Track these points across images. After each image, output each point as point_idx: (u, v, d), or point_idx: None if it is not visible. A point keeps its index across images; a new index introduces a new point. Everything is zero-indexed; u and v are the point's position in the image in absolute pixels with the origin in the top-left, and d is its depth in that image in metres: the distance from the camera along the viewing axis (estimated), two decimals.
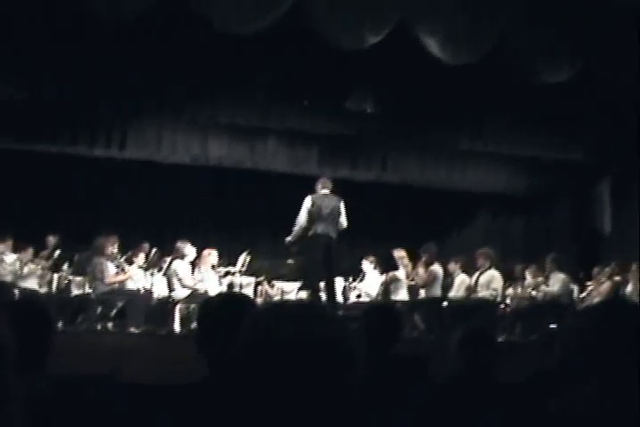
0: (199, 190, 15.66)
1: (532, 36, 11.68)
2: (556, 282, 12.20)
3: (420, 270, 12.39)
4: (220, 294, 4.52)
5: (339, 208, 11.31)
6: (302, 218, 11.23)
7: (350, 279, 13.21)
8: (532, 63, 11.92)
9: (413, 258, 12.76)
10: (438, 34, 11.39)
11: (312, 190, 11.55)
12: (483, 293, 11.97)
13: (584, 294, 12.80)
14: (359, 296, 13.06)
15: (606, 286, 12.49)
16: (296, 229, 11.33)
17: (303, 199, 11.39)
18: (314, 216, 11.15)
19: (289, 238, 11.51)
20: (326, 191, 11.42)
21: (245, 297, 3.77)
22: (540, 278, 12.39)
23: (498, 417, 3.90)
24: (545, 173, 15.81)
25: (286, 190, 13.99)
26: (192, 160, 14.32)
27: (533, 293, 12.48)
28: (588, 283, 12.93)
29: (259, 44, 11.68)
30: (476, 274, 12.21)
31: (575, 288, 12.87)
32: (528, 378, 4.19)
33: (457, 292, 12.47)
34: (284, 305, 1.82)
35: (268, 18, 10.75)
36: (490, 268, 12.08)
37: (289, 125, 14.10)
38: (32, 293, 11.45)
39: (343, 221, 11.41)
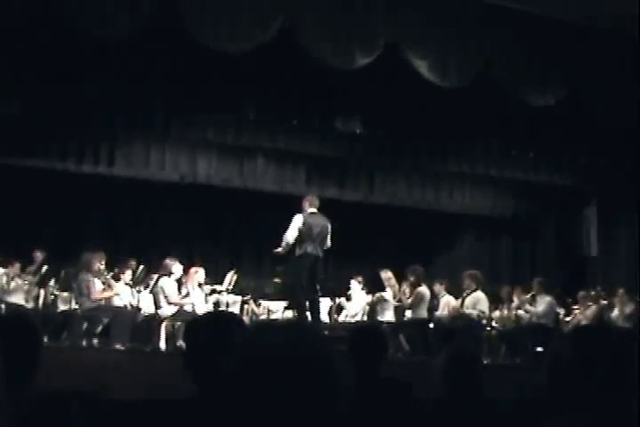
0: (187, 208, 15.66)
1: (519, 60, 11.79)
2: (542, 304, 12.21)
3: (407, 291, 12.38)
4: (208, 312, 4.52)
5: (327, 228, 11.26)
6: (291, 237, 11.14)
7: (336, 299, 13.20)
8: (519, 87, 12.02)
9: (400, 279, 12.75)
10: (428, 57, 11.48)
11: (299, 210, 11.50)
12: (469, 313, 11.96)
13: (570, 318, 12.84)
14: (346, 316, 13.07)
15: (592, 309, 12.54)
16: (284, 245, 11.23)
17: (290, 219, 11.33)
18: (304, 235, 11.10)
19: (278, 250, 11.37)
20: (314, 210, 11.38)
21: (234, 315, 3.77)
22: (527, 297, 12.40)
23: None
24: (532, 196, 15.90)
25: (274, 210, 14.01)
26: (180, 178, 14.32)
27: (520, 312, 12.49)
28: (574, 307, 12.97)
29: (249, 63, 11.72)
30: (463, 295, 12.21)
31: (561, 311, 12.90)
32: (514, 402, 4.20)
33: (442, 312, 12.47)
34: (272, 324, 1.83)
35: (259, 37, 10.80)
36: (476, 290, 12.08)
37: (278, 145, 14.14)
38: (19, 307, 11.43)
39: (328, 240, 11.37)
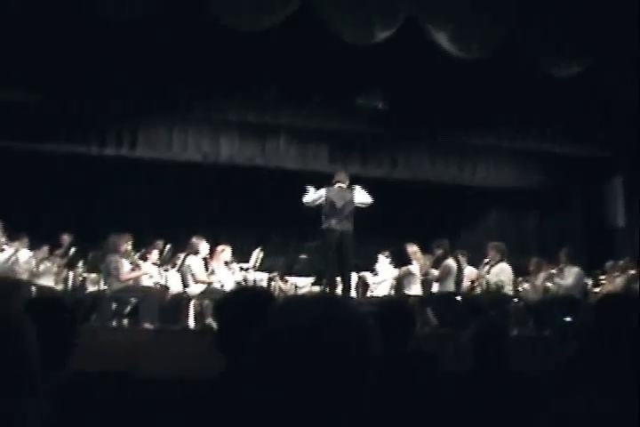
0: (211, 188, 15.70)
1: (542, 30, 11.68)
2: (570, 275, 12.17)
3: (434, 265, 12.39)
4: (239, 289, 4.54)
5: (352, 201, 11.33)
6: (309, 199, 11.36)
7: (363, 274, 13.22)
8: (543, 57, 11.92)
9: (426, 253, 12.76)
10: (449, 29, 11.40)
11: (322, 187, 11.56)
12: (495, 285, 11.94)
13: (598, 289, 12.80)
14: (372, 291, 13.10)
15: (619, 280, 12.49)
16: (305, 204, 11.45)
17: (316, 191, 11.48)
18: (327, 210, 11.18)
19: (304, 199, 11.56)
20: (342, 185, 11.46)
21: (264, 291, 3.79)
22: (554, 270, 12.36)
23: (511, 412, 3.92)
24: (557, 168, 15.81)
25: (297, 187, 14.03)
26: (203, 158, 14.35)
27: (548, 285, 12.45)
28: (602, 277, 12.93)
29: (269, 41, 11.68)
30: (487, 267, 12.20)
31: (589, 283, 12.86)
32: (542, 373, 4.20)
33: (466, 284, 12.47)
34: (302, 298, 1.83)
35: (278, 14, 10.78)
36: (500, 261, 12.06)
37: (299, 123, 14.12)
38: (50, 290, 11.53)
39: (364, 201, 11.48)
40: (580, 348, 3.37)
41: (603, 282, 12.83)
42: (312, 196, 11.40)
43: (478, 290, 12.34)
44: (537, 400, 3.64)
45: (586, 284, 12.67)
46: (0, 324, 1.68)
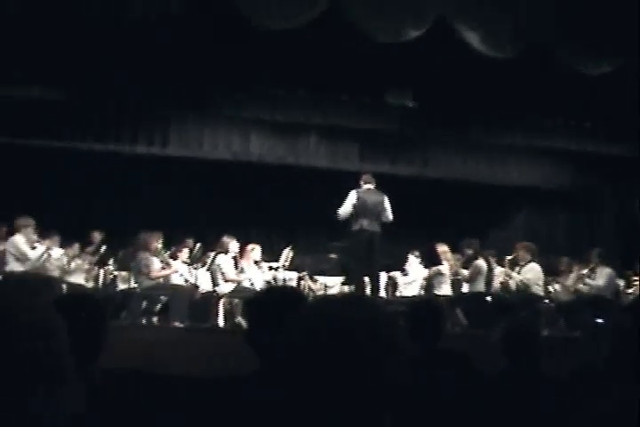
0: (241, 187, 15.73)
1: (572, 28, 11.60)
2: (602, 276, 12.10)
3: (464, 265, 12.35)
4: (269, 288, 4.54)
5: (382, 203, 11.32)
6: (343, 210, 11.27)
7: (393, 274, 13.20)
8: (573, 56, 11.84)
9: (456, 253, 12.72)
10: (479, 28, 11.34)
11: (353, 186, 11.56)
12: (521, 283, 11.87)
13: (630, 290, 12.71)
14: (402, 291, 13.08)
15: None
16: (341, 216, 11.35)
17: (344, 195, 11.40)
18: (358, 211, 11.17)
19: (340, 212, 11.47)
20: (370, 186, 11.46)
21: (294, 290, 3.79)
22: (586, 271, 12.30)
23: (541, 412, 3.90)
24: (589, 167, 15.71)
25: (328, 186, 14.02)
26: (233, 157, 14.38)
27: (579, 286, 12.37)
28: (634, 278, 12.83)
29: (298, 40, 11.68)
30: (517, 268, 12.14)
31: (621, 283, 12.77)
32: (573, 374, 4.18)
33: (495, 283, 12.40)
34: (332, 298, 1.83)
35: (307, 13, 10.76)
36: (530, 261, 11.99)
37: (330, 121, 14.12)
38: (81, 287, 11.59)
39: (389, 214, 11.43)
40: (612, 349, 3.34)
41: (635, 283, 12.74)
42: (345, 206, 11.33)
43: (507, 290, 12.26)
44: (568, 401, 3.62)
45: (617, 285, 12.58)
46: (31, 320, 1.68)
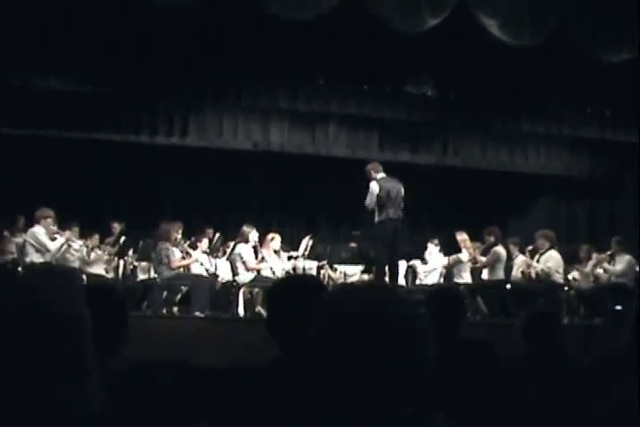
0: (260, 176, 15.75)
1: (591, 17, 11.54)
2: (621, 262, 12.08)
3: (484, 253, 12.33)
4: (290, 276, 4.54)
5: (401, 190, 11.27)
6: (371, 202, 11.17)
7: (413, 263, 13.18)
8: (593, 43, 11.78)
9: (476, 241, 12.71)
10: (498, 15, 11.30)
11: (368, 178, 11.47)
12: (542, 272, 11.85)
13: None
14: (421, 279, 13.06)
15: None
16: (370, 207, 11.26)
17: (364, 184, 11.35)
18: (384, 201, 11.10)
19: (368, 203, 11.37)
20: (383, 175, 11.38)
21: (316, 279, 3.79)
22: (605, 255, 12.28)
23: (563, 400, 3.90)
24: (608, 154, 15.63)
25: (347, 175, 14.01)
26: (253, 146, 14.38)
27: (598, 271, 12.35)
28: None
29: (318, 29, 11.67)
30: (537, 256, 12.11)
31: None
32: (594, 362, 4.17)
33: (516, 272, 12.38)
34: (353, 286, 1.83)
35: (326, 2, 10.75)
36: (550, 249, 11.96)
37: (349, 110, 14.08)
38: (101, 278, 11.62)
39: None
40: (633, 336, 3.33)
41: None
42: (370, 197, 11.23)
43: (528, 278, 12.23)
44: (589, 388, 3.61)
45: (637, 272, 12.53)
46: (54, 310, 1.69)
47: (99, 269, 11.92)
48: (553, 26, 11.42)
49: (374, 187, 11.14)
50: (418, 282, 13.12)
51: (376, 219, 11.15)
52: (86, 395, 1.72)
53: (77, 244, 11.75)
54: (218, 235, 12.82)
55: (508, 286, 12.09)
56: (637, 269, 12.47)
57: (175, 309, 11.42)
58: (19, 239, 11.60)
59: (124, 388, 3.00)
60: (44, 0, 10.93)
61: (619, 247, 12.25)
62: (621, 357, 3.35)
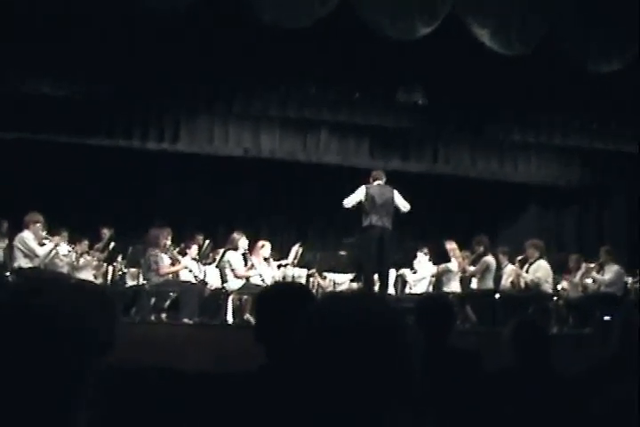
0: (251, 183, 15.74)
1: (583, 26, 11.58)
2: (609, 272, 12.12)
3: (473, 262, 12.35)
4: (277, 284, 4.54)
5: (391, 199, 11.30)
6: (348, 202, 11.26)
7: (403, 272, 13.18)
8: (583, 52, 11.81)
9: (465, 250, 12.73)
10: (489, 24, 11.33)
11: (363, 182, 11.54)
12: (531, 282, 11.89)
13: (638, 286, 12.71)
14: (411, 288, 13.07)
15: None
16: (346, 206, 11.33)
17: (354, 192, 11.40)
18: (367, 207, 11.16)
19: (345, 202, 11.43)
20: (380, 182, 11.44)
21: (304, 287, 3.79)
22: (593, 265, 12.33)
23: (552, 409, 3.89)
24: (598, 164, 15.67)
25: (338, 182, 14.02)
26: (244, 153, 14.38)
27: (587, 280, 12.39)
28: None
29: (309, 37, 11.68)
30: (526, 265, 12.14)
31: (630, 280, 12.76)
32: (582, 371, 4.18)
33: (505, 281, 12.41)
34: (341, 295, 1.83)
35: (318, 9, 10.76)
36: (539, 258, 12.00)
37: (340, 118, 14.10)
38: (92, 283, 11.57)
39: (405, 204, 11.41)
40: (623, 346, 3.34)
41: None
42: (352, 197, 11.33)
43: (517, 288, 12.27)
44: (578, 398, 3.62)
45: (625, 282, 12.57)
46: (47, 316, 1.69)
47: (87, 275, 11.87)
48: (543, 35, 11.45)
49: (359, 190, 11.25)
50: (407, 291, 13.13)
51: (363, 225, 11.24)
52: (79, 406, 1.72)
53: (65, 249, 11.73)
54: (207, 242, 12.82)
55: (498, 296, 12.11)
56: (625, 278, 12.52)
57: (164, 315, 11.39)
58: (1, 244, 11.59)
59: (109, 393, 2.99)
60: (35, 4, 10.89)
61: (607, 257, 12.29)
62: (611, 365, 3.35)
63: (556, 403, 3.90)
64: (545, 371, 4.22)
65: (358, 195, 11.28)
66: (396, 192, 11.49)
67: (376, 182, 11.44)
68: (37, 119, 12.80)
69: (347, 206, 11.33)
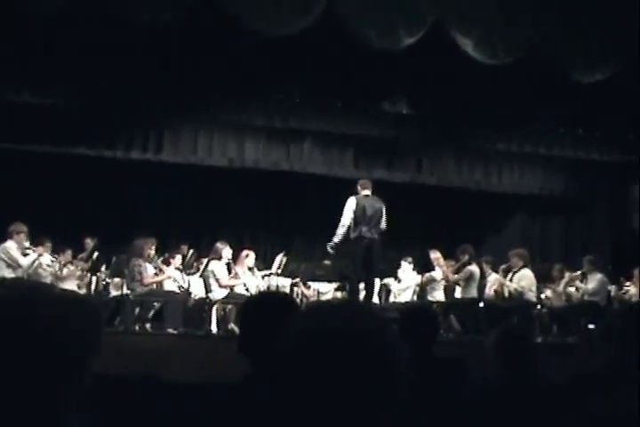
0: (235, 193, 15.72)
1: (567, 36, 11.61)
2: (593, 282, 12.15)
3: (457, 271, 12.36)
4: (261, 293, 4.53)
5: (381, 210, 11.27)
6: (347, 219, 11.14)
7: (387, 281, 13.19)
8: (568, 62, 11.85)
9: (449, 259, 12.74)
10: (474, 34, 11.35)
11: (347, 192, 11.52)
12: (515, 291, 11.92)
13: (622, 295, 12.74)
14: (395, 297, 13.07)
15: None
16: (341, 231, 11.22)
17: (338, 201, 11.36)
18: (358, 218, 11.11)
19: (335, 240, 11.33)
20: (367, 193, 11.40)
21: (288, 297, 3.79)
22: (577, 274, 12.36)
23: (536, 419, 3.89)
24: (582, 173, 15.73)
25: (322, 192, 14.02)
26: (228, 163, 14.37)
27: (570, 289, 12.43)
28: (627, 284, 12.86)
29: (294, 46, 11.68)
30: (510, 274, 12.17)
31: (613, 289, 12.79)
32: (567, 380, 4.17)
33: (489, 290, 12.43)
34: (325, 304, 1.83)
35: (303, 19, 10.76)
36: (523, 267, 12.03)
37: (324, 128, 14.12)
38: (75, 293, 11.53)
39: (383, 222, 11.38)
40: (608, 355, 3.34)
41: (628, 288, 12.76)
42: (346, 213, 11.20)
43: (501, 296, 12.30)
44: (563, 407, 3.61)
45: (609, 291, 12.60)
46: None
47: (71, 285, 11.83)
48: (528, 45, 11.49)
49: (351, 202, 11.17)
50: (391, 300, 13.13)
51: (350, 235, 11.16)
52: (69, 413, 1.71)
53: (48, 259, 11.68)
54: (191, 251, 12.79)
55: (481, 305, 12.12)
56: (609, 287, 12.55)
57: (148, 325, 11.35)
58: None
59: (94, 402, 2.97)
60: (17, 14, 10.86)
61: (590, 266, 12.33)
62: (596, 374, 3.35)
63: (541, 412, 3.89)
64: (530, 380, 4.22)
65: (350, 206, 11.17)
66: (383, 206, 11.43)
67: (364, 192, 11.38)
68: (20, 129, 12.78)
69: (346, 224, 11.19)
